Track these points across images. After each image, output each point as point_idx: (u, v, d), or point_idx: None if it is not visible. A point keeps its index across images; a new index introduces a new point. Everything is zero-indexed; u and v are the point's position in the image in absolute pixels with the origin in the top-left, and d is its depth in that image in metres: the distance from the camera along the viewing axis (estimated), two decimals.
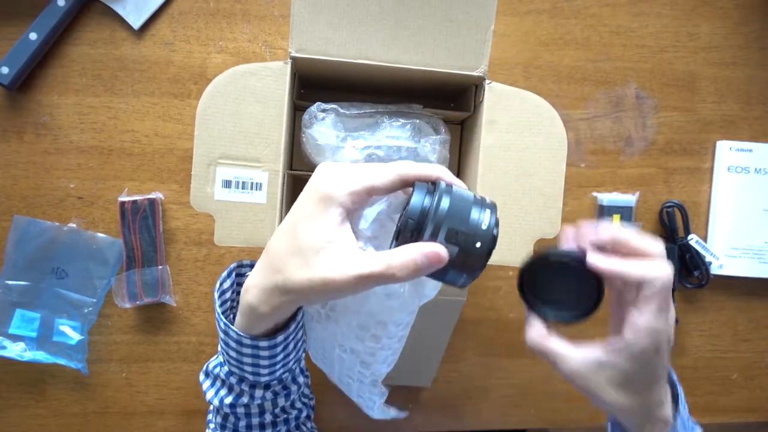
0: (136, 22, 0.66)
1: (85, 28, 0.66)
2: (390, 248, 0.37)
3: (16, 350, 0.66)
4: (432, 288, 0.42)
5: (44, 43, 0.64)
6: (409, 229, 0.35)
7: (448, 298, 0.49)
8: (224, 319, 0.42)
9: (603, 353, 0.39)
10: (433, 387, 0.72)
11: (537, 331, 0.40)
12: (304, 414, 0.51)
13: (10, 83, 0.63)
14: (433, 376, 0.71)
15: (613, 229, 0.39)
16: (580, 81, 0.72)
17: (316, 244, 0.35)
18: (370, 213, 0.38)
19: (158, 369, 0.69)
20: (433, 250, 0.34)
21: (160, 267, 0.66)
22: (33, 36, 0.63)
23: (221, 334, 0.42)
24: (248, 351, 0.41)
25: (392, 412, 0.55)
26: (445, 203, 0.35)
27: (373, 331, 0.47)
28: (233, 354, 0.42)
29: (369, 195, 0.37)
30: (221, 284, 0.45)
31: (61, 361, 0.66)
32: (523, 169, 0.50)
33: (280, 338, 0.41)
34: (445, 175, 0.38)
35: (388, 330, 0.46)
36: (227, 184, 0.48)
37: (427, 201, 0.35)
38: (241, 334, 0.40)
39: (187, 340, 0.69)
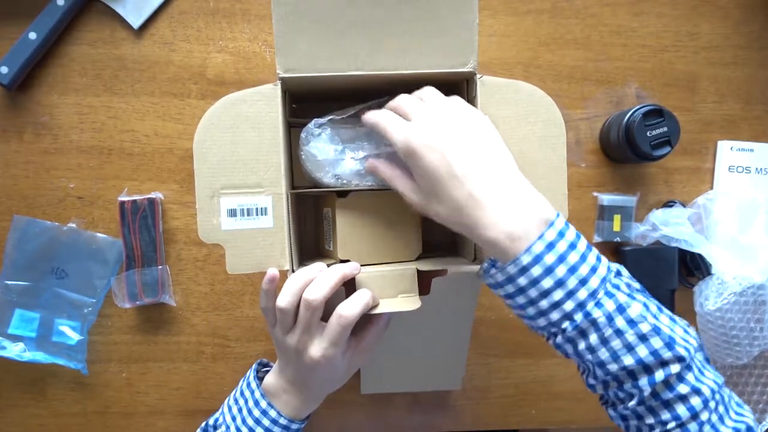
0: (136, 22, 0.66)
1: (84, 27, 0.66)
2: None
3: (15, 350, 0.66)
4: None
5: (44, 42, 0.64)
6: None
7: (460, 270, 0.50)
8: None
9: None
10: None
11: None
12: None
13: (9, 83, 0.63)
14: (462, 374, 0.69)
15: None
16: (581, 81, 0.72)
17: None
18: None
19: (158, 369, 0.69)
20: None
21: (160, 267, 0.66)
22: (32, 35, 0.63)
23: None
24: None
25: None
26: None
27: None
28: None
29: None
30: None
31: (61, 361, 0.66)
32: (523, 160, 0.49)
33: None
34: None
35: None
36: (232, 213, 0.48)
37: None
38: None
39: (187, 340, 0.69)
